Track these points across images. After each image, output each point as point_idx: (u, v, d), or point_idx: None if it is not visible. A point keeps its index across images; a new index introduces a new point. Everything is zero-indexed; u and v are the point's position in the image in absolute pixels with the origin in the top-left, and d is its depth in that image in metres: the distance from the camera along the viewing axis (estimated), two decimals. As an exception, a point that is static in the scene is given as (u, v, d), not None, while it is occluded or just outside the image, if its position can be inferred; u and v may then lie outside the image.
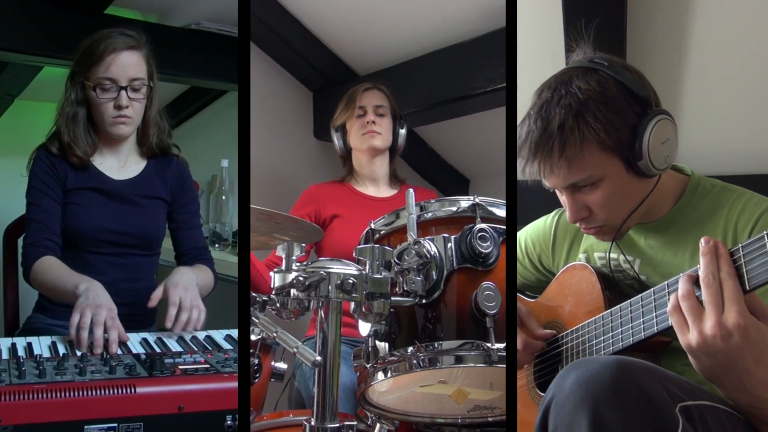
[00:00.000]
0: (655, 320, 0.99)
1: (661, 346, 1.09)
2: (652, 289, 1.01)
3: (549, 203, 1.34)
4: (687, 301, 0.87)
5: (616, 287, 1.23)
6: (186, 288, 1.40)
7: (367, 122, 2.01)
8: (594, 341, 1.12)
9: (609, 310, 1.11)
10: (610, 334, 1.09)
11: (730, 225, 1.11)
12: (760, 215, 1.09)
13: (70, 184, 1.59)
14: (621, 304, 1.08)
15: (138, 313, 1.53)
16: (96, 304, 1.30)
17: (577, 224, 1.21)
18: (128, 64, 1.55)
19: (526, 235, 1.47)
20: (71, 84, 1.58)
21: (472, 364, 0.95)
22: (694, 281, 0.89)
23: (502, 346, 0.95)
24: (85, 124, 1.59)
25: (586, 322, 1.16)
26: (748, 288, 0.84)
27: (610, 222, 1.17)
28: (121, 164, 1.66)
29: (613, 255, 1.26)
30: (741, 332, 0.82)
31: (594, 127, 1.07)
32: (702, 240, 0.88)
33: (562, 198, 1.21)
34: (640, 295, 1.04)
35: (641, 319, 1.02)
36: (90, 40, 1.57)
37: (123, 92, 1.54)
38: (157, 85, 1.63)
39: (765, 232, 0.83)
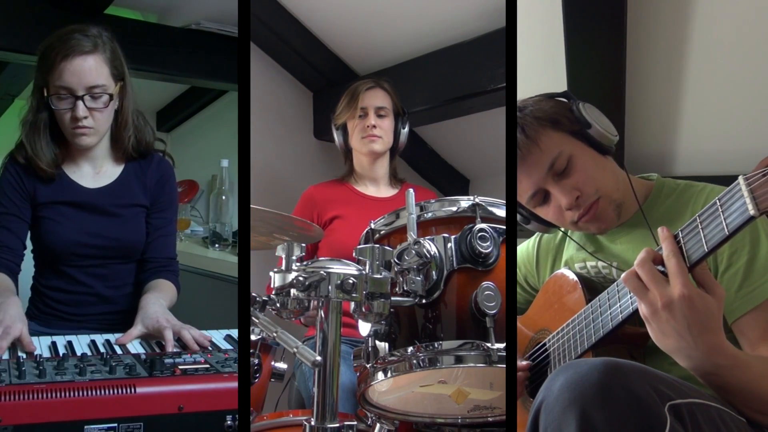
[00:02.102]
0: (630, 301, 1.01)
1: (643, 338, 1.09)
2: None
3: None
4: (643, 267, 0.90)
5: (597, 292, 1.24)
6: (166, 319, 1.33)
7: (368, 126, 1.98)
8: (577, 336, 1.13)
9: (589, 304, 1.13)
10: (591, 325, 1.10)
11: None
12: None
13: (41, 197, 1.50)
14: (599, 295, 1.10)
15: (129, 320, 1.47)
16: None
17: (576, 218, 1.24)
18: (83, 70, 1.40)
19: None
20: (33, 90, 1.46)
21: (472, 364, 0.95)
22: (653, 255, 0.92)
23: (502, 346, 0.95)
24: (47, 133, 1.47)
25: (567, 321, 1.18)
26: (688, 264, 0.90)
27: (603, 192, 1.22)
28: (96, 171, 1.55)
29: (591, 263, 1.30)
30: (686, 302, 0.86)
31: (538, 113, 1.24)
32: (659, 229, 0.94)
33: (544, 210, 1.28)
34: (615, 282, 1.06)
35: (618, 304, 1.04)
36: (45, 43, 1.42)
37: (80, 102, 1.40)
38: (129, 83, 1.51)
39: (697, 215, 0.90)
